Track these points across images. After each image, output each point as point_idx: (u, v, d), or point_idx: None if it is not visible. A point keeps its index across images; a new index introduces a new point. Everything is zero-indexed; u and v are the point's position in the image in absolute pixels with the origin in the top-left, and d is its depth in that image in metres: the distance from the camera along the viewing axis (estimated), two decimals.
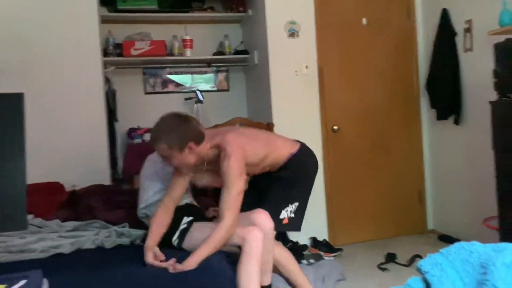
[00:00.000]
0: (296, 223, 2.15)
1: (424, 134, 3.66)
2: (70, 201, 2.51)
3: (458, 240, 3.10)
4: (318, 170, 2.34)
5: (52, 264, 1.63)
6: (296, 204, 2.13)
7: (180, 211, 2.00)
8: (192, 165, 1.93)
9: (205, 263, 1.64)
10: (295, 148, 2.18)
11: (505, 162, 2.28)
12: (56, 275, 1.30)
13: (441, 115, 3.35)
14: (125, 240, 1.94)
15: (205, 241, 1.77)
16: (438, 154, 3.55)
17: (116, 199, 2.55)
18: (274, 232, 2.08)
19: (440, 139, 3.50)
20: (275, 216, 2.05)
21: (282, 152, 2.13)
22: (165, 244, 1.88)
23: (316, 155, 3.26)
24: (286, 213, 2.11)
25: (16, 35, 2.87)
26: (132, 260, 1.69)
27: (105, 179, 3.04)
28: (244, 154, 1.91)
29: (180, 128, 1.85)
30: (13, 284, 0.96)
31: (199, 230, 1.94)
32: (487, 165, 2.60)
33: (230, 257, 1.85)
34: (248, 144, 2.00)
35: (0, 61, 2.80)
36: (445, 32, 3.26)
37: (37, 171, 2.66)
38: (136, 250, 1.82)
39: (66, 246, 1.86)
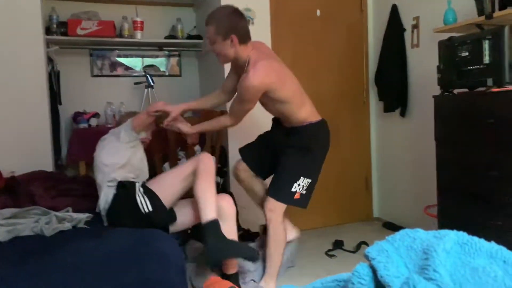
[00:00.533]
0: (305, 200, 2.28)
1: (372, 125, 3.80)
2: (8, 188, 2.35)
3: (401, 227, 3.26)
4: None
5: None
6: (309, 181, 2.24)
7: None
8: (228, 60, 2.13)
9: (152, 247, 1.57)
10: (314, 119, 2.29)
11: (445, 153, 2.41)
12: None
13: (388, 108, 3.48)
14: (66, 225, 1.83)
15: (207, 122, 2.26)
16: (384, 145, 3.70)
17: (61, 186, 2.42)
18: (284, 206, 2.24)
19: (386, 130, 3.65)
20: (286, 187, 2.20)
21: (301, 114, 2.25)
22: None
23: None
24: (299, 188, 2.22)
25: None
26: (72, 245, 1.58)
27: (48, 166, 2.87)
28: (264, 84, 2.05)
29: (231, 19, 2.03)
30: None
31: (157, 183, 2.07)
32: (429, 155, 2.74)
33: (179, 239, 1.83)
34: (278, 80, 2.12)
35: None
36: (394, 27, 3.38)
37: None
38: (77, 234, 1.72)
39: (2, 234, 1.74)
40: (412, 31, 3.24)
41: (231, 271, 2.15)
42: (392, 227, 3.43)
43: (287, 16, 3.44)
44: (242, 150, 2.52)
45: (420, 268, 0.72)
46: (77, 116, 3.40)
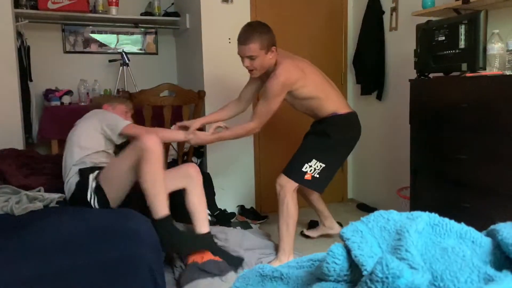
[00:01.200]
0: (319, 184, 2.38)
1: None
2: None
3: (374, 208, 3.34)
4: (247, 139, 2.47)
5: None
6: (322, 165, 2.31)
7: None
8: (265, 70, 2.24)
9: (125, 225, 1.55)
10: (343, 110, 2.37)
11: (418, 136, 2.47)
12: None
13: (365, 90, 3.51)
14: (38, 205, 1.77)
15: (229, 130, 2.36)
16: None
17: (34, 165, 2.35)
18: (295, 184, 2.34)
19: (363, 113, 3.66)
20: (297, 166, 2.33)
21: (329, 107, 2.34)
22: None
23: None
24: (310, 169, 2.31)
25: None
26: (42, 225, 1.55)
27: (18, 144, 2.78)
28: (290, 80, 2.20)
29: (270, 33, 2.21)
30: None
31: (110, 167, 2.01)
32: (404, 138, 2.79)
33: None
34: (303, 76, 2.24)
35: None
36: (374, 10, 3.38)
37: None
38: (49, 214, 1.67)
39: None
40: (391, 14, 3.25)
41: (203, 230, 2.16)
42: (366, 209, 3.52)
43: None
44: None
45: (393, 248, 0.74)
46: (48, 94, 3.28)
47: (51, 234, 1.46)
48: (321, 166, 2.32)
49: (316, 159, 2.31)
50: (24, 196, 1.81)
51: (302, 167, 2.31)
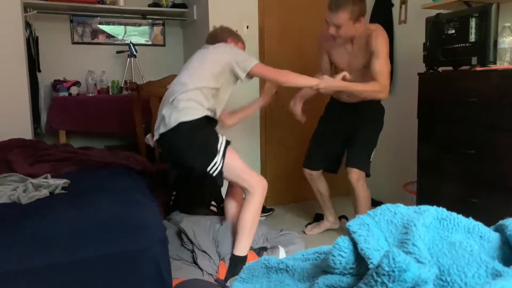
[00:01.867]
0: (369, 166, 2.57)
1: None
2: None
3: (380, 202, 3.32)
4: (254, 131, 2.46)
5: None
6: (374, 149, 2.54)
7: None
8: (348, 39, 2.29)
9: (132, 217, 1.55)
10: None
11: (426, 130, 2.45)
12: None
13: None
14: (43, 192, 1.77)
15: (362, 84, 2.27)
16: None
17: (40, 153, 2.36)
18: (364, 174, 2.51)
19: None
20: (366, 158, 2.51)
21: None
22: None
23: (254, 117, 3.29)
24: (372, 157, 2.56)
25: None
26: (48, 215, 1.54)
27: (27, 134, 2.80)
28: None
29: (361, 3, 2.20)
30: None
31: (231, 158, 2.01)
32: (411, 133, 2.77)
33: None
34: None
35: None
36: (383, 2, 3.34)
37: None
38: (55, 202, 1.66)
39: None
40: (400, 7, 3.21)
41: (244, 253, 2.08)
42: (372, 203, 3.49)
43: None
44: (307, 164, 2.86)
45: (399, 242, 0.74)
46: (56, 84, 3.30)
47: (56, 225, 1.46)
48: (374, 151, 2.55)
49: (375, 147, 2.54)
50: (29, 184, 1.82)
51: (370, 158, 2.53)
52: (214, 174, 1.93)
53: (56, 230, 1.43)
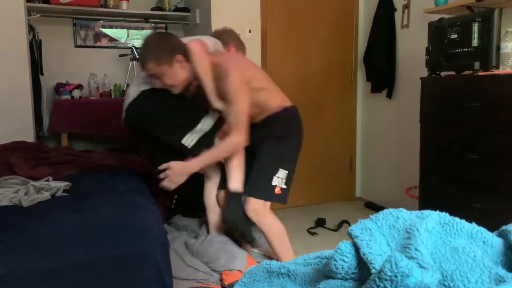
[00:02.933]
0: (286, 194, 2.09)
1: (358, 105, 3.80)
2: None
3: (382, 207, 3.32)
4: None
5: None
6: (286, 172, 2.06)
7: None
8: (184, 81, 1.90)
9: (134, 220, 1.55)
10: (288, 103, 2.15)
11: (428, 135, 2.44)
12: None
13: (375, 88, 3.48)
14: (45, 195, 1.77)
15: (210, 151, 1.94)
16: (370, 125, 3.72)
17: (41, 156, 2.37)
18: (268, 203, 2.08)
19: (372, 111, 3.67)
20: (266, 183, 2.02)
21: (276, 98, 2.10)
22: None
23: None
24: (278, 181, 2.04)
25: None
26: (49, 218, 1.54)
27: (29, 137, 2.81)
28: (244, 73, 1.92)
29: (163, 43, 1.85)
30: None
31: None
32: (413, 137, 2.77)
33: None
34: (250, 68, 2.01)
35: None
36: (385, 7, 3.34)
37: None
38: (56, 205, 1.67)
39: None
40: (403, 11, 3.21)
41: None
42: (374, 207, 3.50)
43: None
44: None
45: (402, 247, 0.73)
46: (59, 87, 3.31)
47: (57, 228, 1.46)
48: (286, 173, 2.06)
49: (281, 168, 2.05)
50: (31, 186, 1.82)
51: (271, 181, 2.02)
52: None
53: (56, 233, 1.43)
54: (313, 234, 2.98)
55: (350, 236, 0.78)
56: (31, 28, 3.06)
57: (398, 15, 3.28)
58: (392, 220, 0.80)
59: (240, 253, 2.06)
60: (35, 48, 3.10)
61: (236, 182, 2.06)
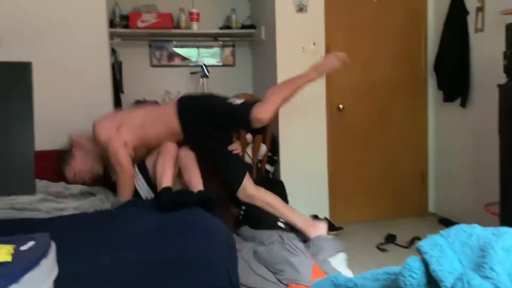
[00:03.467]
0: None
1: (430, 115, 3.64)
2: None
3: (454, 223, 3.12)
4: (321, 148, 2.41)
5: (56, 224, 1.66)
6: None
7: None
8: (91, 172, 2.35)
9: (205, 227, 1.63)
10: (174, 108, 2.40)
11: (509, 146, 2.27)
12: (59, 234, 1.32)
13: (448, 97, 3.32)
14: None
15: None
16: (442, 136, 3.54)
17: None
18: (251, 181, 2.44)
19: (445, 121, 3.49)
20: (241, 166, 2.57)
21: (168, 120, 2.38)
22: None
23: (321, 134, 3.27)
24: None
25: (23, 7, 2.82)
26: (123, 219, 1.68)
27: None
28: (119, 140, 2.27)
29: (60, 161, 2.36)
30: (22, 245, 0.99)
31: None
32: (492, 149, 2.59)
33: None
34: (125, 132, 2.32)
35: (8, 32, 2.78)
36: (457, 10, 3.19)
37: (44, 140, 2.67)
38: (130, 208, 1.83)
39: (69, 210, 1.89)
40: (476, 14, 3.04)
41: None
42: (449, 224, 3.29)
43: (342, 3, 3.37)
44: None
45: (475, 265, 0.71)
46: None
47: (130, 228, 1.59)
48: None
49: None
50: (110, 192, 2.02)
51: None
52: None
53: (130, 233, 1.56)
54: (382, 250, 2.89)
55: (419, 252, 0.77)
56: (113, 51, 3.36)
57: (471, 19, 3.11)
58: (465, 237, 0.78)
59: (306, 266, 2.05)
60: (116, 69, 3.39)
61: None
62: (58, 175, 2.36)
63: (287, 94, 2.42)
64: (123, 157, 2.23)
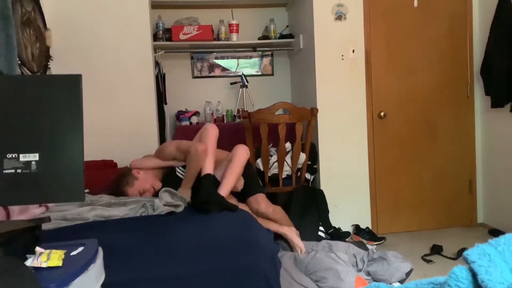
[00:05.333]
0: None
1: (477, 122, 3.49)
2: None
3: (503, 232, 2.95)
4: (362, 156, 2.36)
5: (103, 230, 1.73)
6: None
7: None
8: (152, 186, 2.33)
9: (250, 239, 1.64)
10: None
11: None
12: (106, 239, 1.37)
13: (496, 103, 3.17)
14: (167, 208, 1.99)
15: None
16: (491, 144, 3.37)
17: None
18: None
19: (494, 128, 3.33)
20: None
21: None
22: None
23: (361, 142, 3.23)
24: None
25: (72, 21, 3.01)
26: (171, 231, 1.72)
27: None
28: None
29: (123, 182, 2.35)
30: (72, 250, 1.04)
31: None
32: None
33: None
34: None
35: (60, 48, 2.97)
36: (505, 12, 3.05)
37: (93, 150, 2.82)
38: (179, 218, 1.87)
39: (116, 216, 1.96)
40: None
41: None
42: (499, 235, 3.11)
43: (382, 9, 3.32)
44: None
45: None
46: (180, 115, 3.69)
47: (178, 240, 1.63)
48: None
49: None
50: (155, 201, 2.07)
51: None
52: None
53: (178, 244, 1.60)
54: (428, 261, 2.78)
55: (466, 261, 0.74)
56: (156, 64, 3.49)
57: None
58: None
59: (349, 274, 2.02)
60: (160, 81, 3.52)
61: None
62: (98, 186, 2.47)
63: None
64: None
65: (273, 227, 2.31)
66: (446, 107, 3.44)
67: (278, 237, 2.34)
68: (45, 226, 1.64)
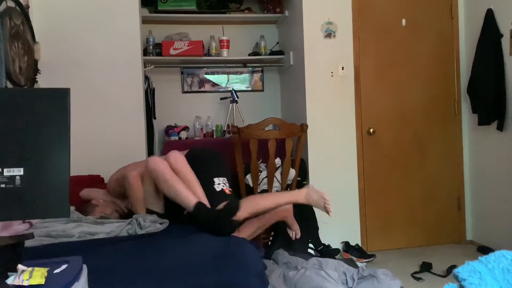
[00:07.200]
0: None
1: (465, 139, 3.53)
2: None
3: (491, 250, 2.96)
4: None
5: (88, 248, 1.69)
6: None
7: None
8: (112, 204, 2.35)
9: (233, 255, 1.62)
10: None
11: None
12: (91, 258, 1.34)
13: (483, 120, 3.22)
14: (158, 226, 1.96)
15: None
16: (479, 161, 3.41)
17: None
18: None
19: (481, 145, 3.37)
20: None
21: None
22: None
23: (351, 158, 3.25)
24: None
25: (61, 35, 2.99)
26: (158, 248, 1.69)
27: None
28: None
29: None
30: (55, 268, 1.01)
31: None
32: None
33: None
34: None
35: (47, 60, 2.94)
36: (490, 33, 3.14)
37: (79, 165, 2.77)
38: (165, 236, 1.84)
39: (101, 234, 1.92)
40: (511, 36, 2.98)
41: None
42: (488, 252, 3.12)
43: (370, 28, 3.38)
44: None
45: None
46: (169, 129, 3.66)
47: (163, 258, 1.60)
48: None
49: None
50: (141, 218, 2.03)
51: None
52: None
53: (165, 261, 1.57)
54: (418, 279, 2.77)
55: (456, 278, 0.74)
56: (146, 78, 3.48)
57: (505, 41, 3.04)
58: (506, 264, 0.74)
59: None
60: (149, 95, 3.50)
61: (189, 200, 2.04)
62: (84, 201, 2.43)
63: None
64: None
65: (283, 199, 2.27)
66: (434, 124, 3.48)
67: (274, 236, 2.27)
68: (28, 243, 1.60)
